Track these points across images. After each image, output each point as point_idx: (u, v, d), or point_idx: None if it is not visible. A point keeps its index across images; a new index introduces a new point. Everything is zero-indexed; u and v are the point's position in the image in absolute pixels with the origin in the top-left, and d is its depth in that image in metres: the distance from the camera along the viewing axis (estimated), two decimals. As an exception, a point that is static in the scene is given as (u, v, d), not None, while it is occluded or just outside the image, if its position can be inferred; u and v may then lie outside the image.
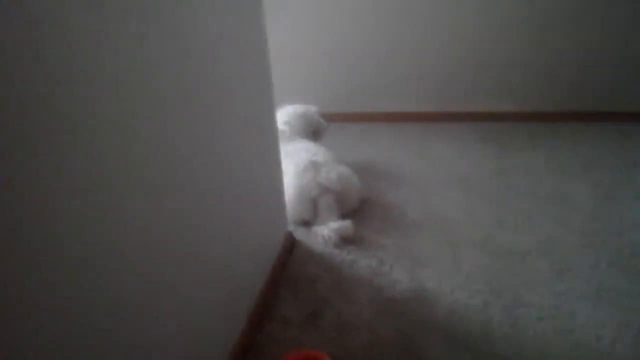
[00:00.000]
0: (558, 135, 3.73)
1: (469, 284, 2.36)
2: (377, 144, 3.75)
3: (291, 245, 2.69)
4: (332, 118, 3.51)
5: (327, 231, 2.72)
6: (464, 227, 2.77)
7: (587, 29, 3.69)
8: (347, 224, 2.75)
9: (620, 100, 3.87)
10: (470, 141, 3.72)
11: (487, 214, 2.86)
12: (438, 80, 4.03)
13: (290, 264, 2.58)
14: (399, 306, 2.26)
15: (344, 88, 4.11)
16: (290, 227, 2.78)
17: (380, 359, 1.98)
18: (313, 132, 3.42)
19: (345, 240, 2.71)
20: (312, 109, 3.47)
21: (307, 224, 2.87)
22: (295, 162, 2.97)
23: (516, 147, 3.60)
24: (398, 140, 3.79)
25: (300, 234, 2.80)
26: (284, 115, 3.35)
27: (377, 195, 3.12)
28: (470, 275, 2.42)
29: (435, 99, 4.10)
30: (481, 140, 3.72)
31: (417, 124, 4.07)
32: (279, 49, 3.62)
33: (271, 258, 2.42)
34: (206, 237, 1.59)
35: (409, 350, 2.02)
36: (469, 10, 3.76)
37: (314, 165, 2.93)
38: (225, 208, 1.74)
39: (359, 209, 2.97)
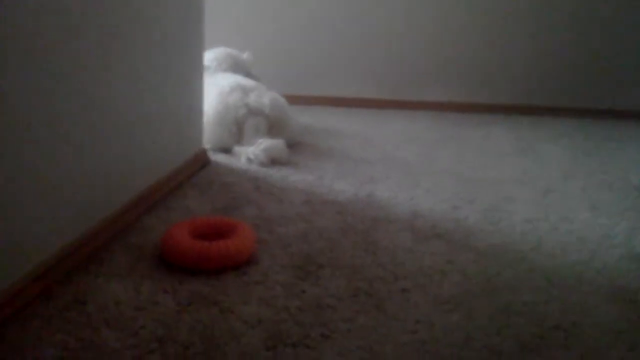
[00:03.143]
0: (511, 124, 3.32)
1: (433, 195, 1.90)
2: (317, 119, 3.23)
3: (203, 163, 2.14)
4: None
5: (253, 149, 2.19)
6: (421, 164, 2.33)
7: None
8: (278, 142, 2.25)
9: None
10: (421, 120, 3.30)
11: (446, 157, 2.45)
12: (387, 69, 3.74)
13: (201, 174, 2.02)
14: (344, 206, 1.74)
15: (289, 69, 3.71)
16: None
17: (324, 244, 1.45)
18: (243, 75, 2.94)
19: (275, 163, 2.18)
20: (245, 54, 3.02)
21: (229, 151, 2.33)
22: (220, 85, 2.48)
23: (471, 126, 3.18)
24: (341, 119, 3.30)
25: (219, 159, 2.25)
26: (211, 53, 2.88)
27: (315, 141, 2.62)
28: (433, 190, 1.96)
29: (382, 87, 3.77)
30: (432, 119, 3.33)
31: (360, 109, 3.64)
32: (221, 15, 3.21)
33: (173, 162, 1.89)
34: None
35: (363, 238, 1.51)
36: (418, 2, 3.59)
37: (242, 88, 2.46)
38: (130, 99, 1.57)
39: (295, 146, 2.45)
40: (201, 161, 2.14)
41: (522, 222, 1.67)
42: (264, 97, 2.45)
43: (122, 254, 1.35)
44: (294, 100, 3.16)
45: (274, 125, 2.40)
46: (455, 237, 1.53)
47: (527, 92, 3.73)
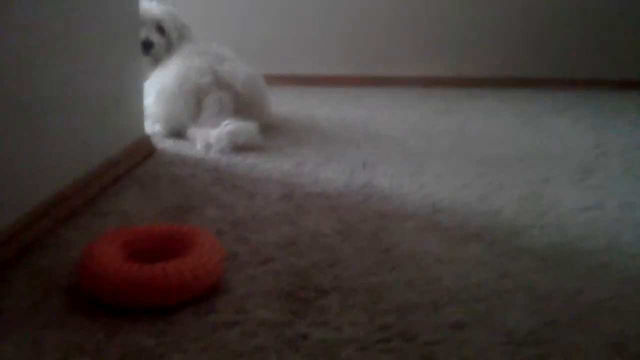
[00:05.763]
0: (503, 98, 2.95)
1: (448, 181, 1.49)
2: (284, 99, 2.72)
3: (147, 152, 1.68)
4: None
5: (214, 132, 1.74)
6: (418, 143, 1.92)
7: None
8: (249, 125, 1.80)
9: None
10: (403, 97, 2.88)
11: (445, 134, 2.05)
12: (360, 43, 3.34)
13: (143, 167, 1.56)
14: (336, 201, 1.32)
15: (248, 45, 3.21)
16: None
17: (322, 256, 1.02)
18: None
19: (241, 149, 1.74)
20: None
21: (182, 135, 1.88)
22: (184, 53, 2.01)
23: (461, 100, 2.76)
24: (311, 98, 2.83)
25: (168, 146, 1.80)
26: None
27: (286, 123, 2.18)
28: (445, 175, 1.55)
29: (353, 63, 3.36)
30: (415, 95, 2.92)
31: (331, 88, 3.20)
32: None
33: (104, 153, 1.41)
34: None
35: (373, 243, 1.09)
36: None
37: (214, 54, 2.00)
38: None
39: (267, 129, 2.00)
40: (144, 150, 1.68)
41: (575, 211, 1.28)
42: (239, 69, 2.00)
43: (21, 285, 0.90)
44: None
45: (245, 107, 1.95)
46: (498, 238, 1.13)
47: (518, 63, 3.38)
